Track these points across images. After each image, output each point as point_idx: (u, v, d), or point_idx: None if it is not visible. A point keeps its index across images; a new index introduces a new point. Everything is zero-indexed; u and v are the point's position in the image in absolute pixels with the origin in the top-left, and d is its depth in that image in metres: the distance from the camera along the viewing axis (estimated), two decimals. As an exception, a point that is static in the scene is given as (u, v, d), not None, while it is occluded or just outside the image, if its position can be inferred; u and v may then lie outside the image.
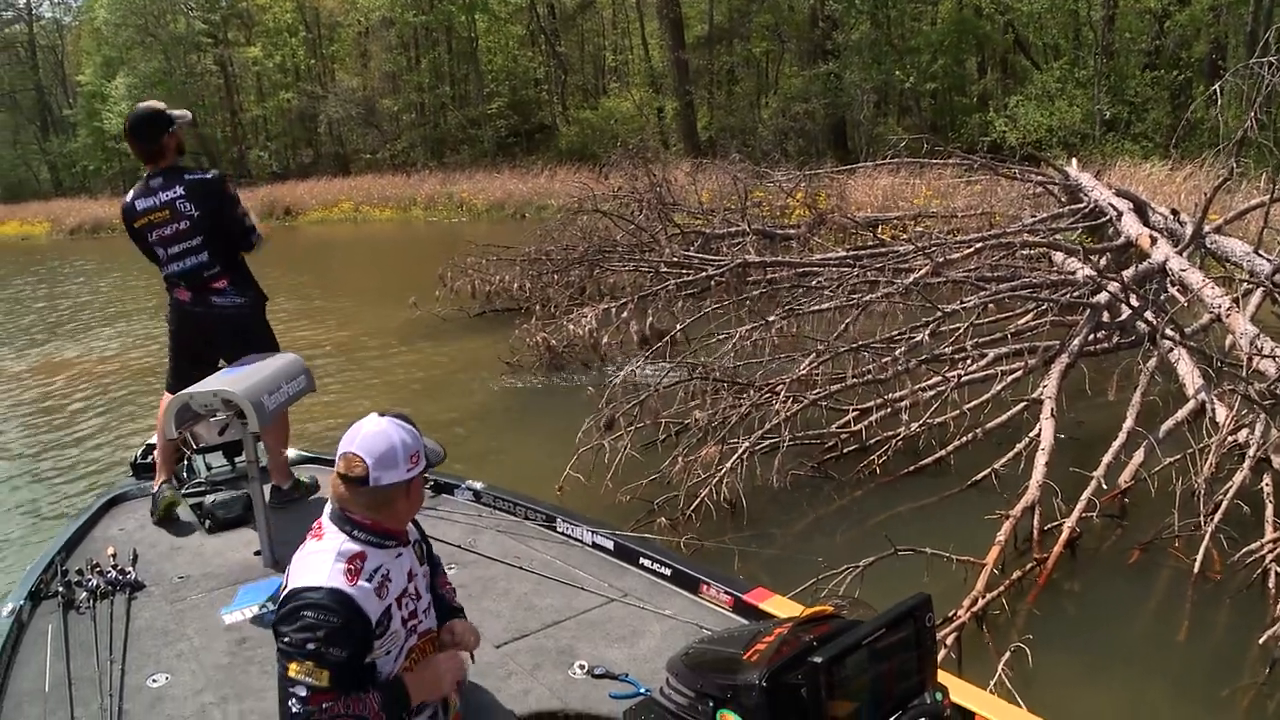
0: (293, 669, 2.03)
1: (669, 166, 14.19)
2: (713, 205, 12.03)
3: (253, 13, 41.95)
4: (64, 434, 8.37)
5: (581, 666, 2.97)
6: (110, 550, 3.91)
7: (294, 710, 2.01)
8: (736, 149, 14.05)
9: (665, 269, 9.68)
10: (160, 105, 4.26)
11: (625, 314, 8.57)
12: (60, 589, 3.62)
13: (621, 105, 31.17)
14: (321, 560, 2.13)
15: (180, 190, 4.10)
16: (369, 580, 2.13)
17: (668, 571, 3.48)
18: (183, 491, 4.54)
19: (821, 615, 2.08)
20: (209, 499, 4.36)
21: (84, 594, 3.59)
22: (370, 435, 2.15)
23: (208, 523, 4.25)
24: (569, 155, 29.07)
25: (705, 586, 3.32)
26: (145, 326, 13.30)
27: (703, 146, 25.61)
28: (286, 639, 2.05)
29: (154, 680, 3.08)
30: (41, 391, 10.31)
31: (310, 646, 2.03)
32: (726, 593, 3.24)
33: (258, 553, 3.71)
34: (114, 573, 3.71)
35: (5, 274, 25.31)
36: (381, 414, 2.22)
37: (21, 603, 3.54)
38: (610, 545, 3.75)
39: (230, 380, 3.65)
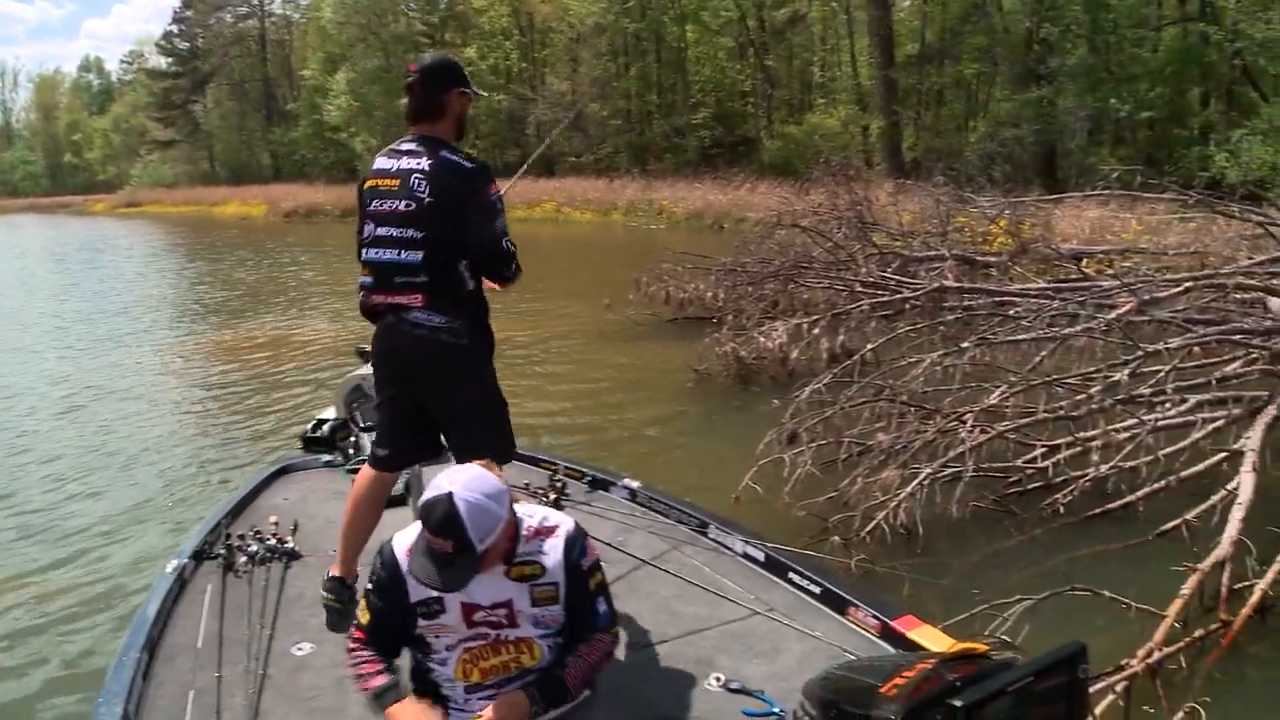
0: (360, 604, 2.38)
1: (871, 185, 14.02)
2: (913, 227, 11.85)
3: (470, 16, 44.08)
4: (258, 402, 9.03)
5: (717, 679, 2.90)
6: (273, 519, 4.06)
7: (349, 636, 2.39)
8: (941, 171, 13.74)
9: (860, 288, 9.67)
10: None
11: (817, 330, 8.60)
12: (222, 551, 3.79)
13: (827, 121, 31.09)
14: (415, 528, 2.27)
15: (425, 165, 3.02)
16: None
17: (816, 590, 3.38)
18: (347, 468, 4.71)
19: (969, 654, 2.01)
20: None
21: (243, 558, 3.75)
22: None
23: None
24: (771, 169, 29.19)
25: (853, 609, 3.20)
26: (348, 305, 14.17)
27: (906, 167, 25.29)
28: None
29: (299, 649, 3.18)
30: (241, 363, 11.02)
31: (368, 587, 2.34)
32: (874, 617, 3.12)
33: None
34: (274, 540, 3.87)
35: (223, 249, 27.41)
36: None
37: (185, 561, 3.71)
38: (760, 556, 3.66)
39: None
